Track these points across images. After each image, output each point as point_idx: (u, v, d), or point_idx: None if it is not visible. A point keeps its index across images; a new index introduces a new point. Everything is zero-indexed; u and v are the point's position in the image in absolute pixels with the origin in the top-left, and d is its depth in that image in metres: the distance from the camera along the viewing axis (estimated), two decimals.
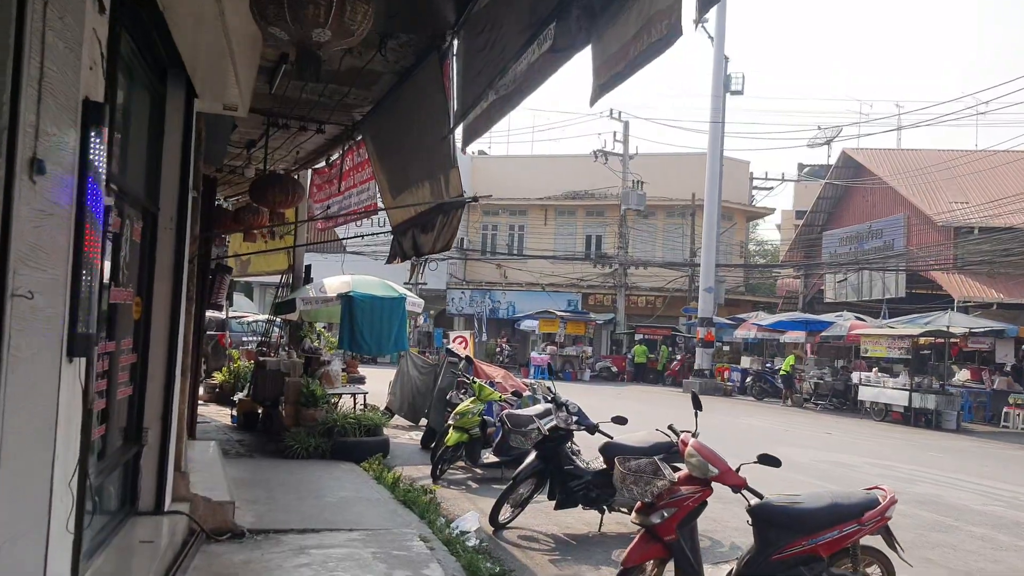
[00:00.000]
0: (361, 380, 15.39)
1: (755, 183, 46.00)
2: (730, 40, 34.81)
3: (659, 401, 24.93)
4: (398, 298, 12.52)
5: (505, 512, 8.29)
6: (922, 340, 22.60)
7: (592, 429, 8.53)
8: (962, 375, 24.88)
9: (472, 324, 37.88)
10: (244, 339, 24.82)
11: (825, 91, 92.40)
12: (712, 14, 31.15)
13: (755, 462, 5.53)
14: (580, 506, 8.30)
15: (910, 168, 35.72)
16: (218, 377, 16.88)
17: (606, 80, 3.88)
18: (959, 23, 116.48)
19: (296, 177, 11.10)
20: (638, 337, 34.88)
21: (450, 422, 10.95)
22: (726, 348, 34.85)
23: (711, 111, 31.77)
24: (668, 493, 5.64)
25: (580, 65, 42.62)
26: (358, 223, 14.22)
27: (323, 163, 11.86)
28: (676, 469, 8.14)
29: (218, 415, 14.72)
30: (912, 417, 21.54)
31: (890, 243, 35.77)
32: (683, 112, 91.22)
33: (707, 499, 5.69)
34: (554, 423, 8.44)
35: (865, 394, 23.48)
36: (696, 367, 31.08)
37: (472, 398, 11.11)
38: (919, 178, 34.34)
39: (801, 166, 56.72)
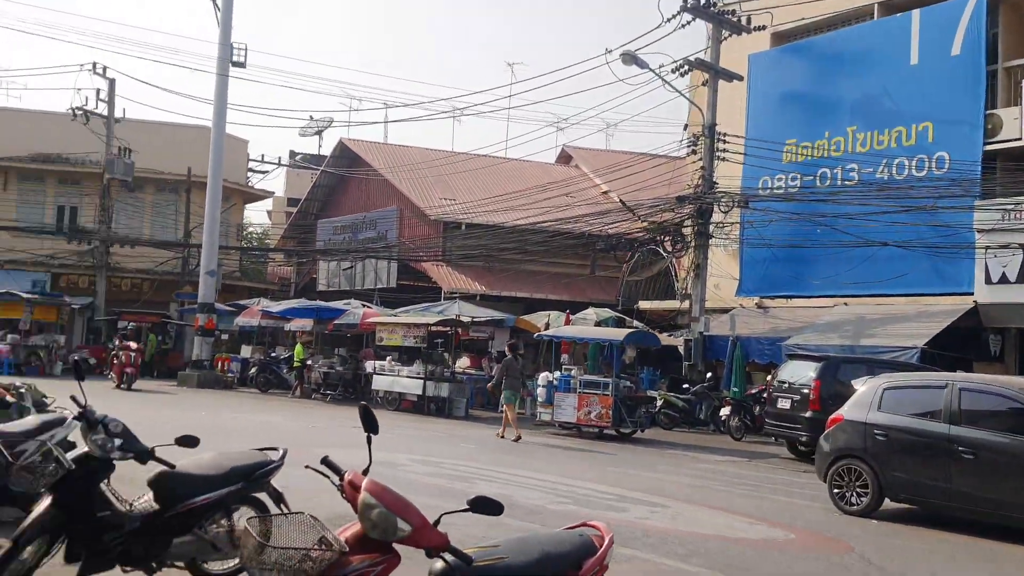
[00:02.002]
0: None
1: (251, 165, 43.98)
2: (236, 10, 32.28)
3: (164, 403, 21.75)
4: None
5: None
6: (432, 329, 22.80)
7: (144, 456, 6.00)
8: (462, 363, 25.88)
9: None
10: None
11: (321, 80, 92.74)
12: None
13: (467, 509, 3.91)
14: (118, 567, 5.84)
15: (402, 163, 36.69)
16: None
17: None
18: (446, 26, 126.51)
19: None
20: (122, 324, 30.60)
21: None
22: (224, 337, 32.30)
23: (216, 81, 28.95)
24: (333, 569, 3.73)
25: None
26: None
27: None
28: (254, 501, 6.23)
29: None
30: (425, 405, 21.60)
31: (383, 234, 36.52)
32: (178, 80, 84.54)
33: (392, 572, 3.90)
34: (84, 451, 5.82)
35: (379, 383, 23.04)
36: (195, 357, 28.10)
37: None
38: (410, 173, 35.41)
39: (293, 153, 56.02)
